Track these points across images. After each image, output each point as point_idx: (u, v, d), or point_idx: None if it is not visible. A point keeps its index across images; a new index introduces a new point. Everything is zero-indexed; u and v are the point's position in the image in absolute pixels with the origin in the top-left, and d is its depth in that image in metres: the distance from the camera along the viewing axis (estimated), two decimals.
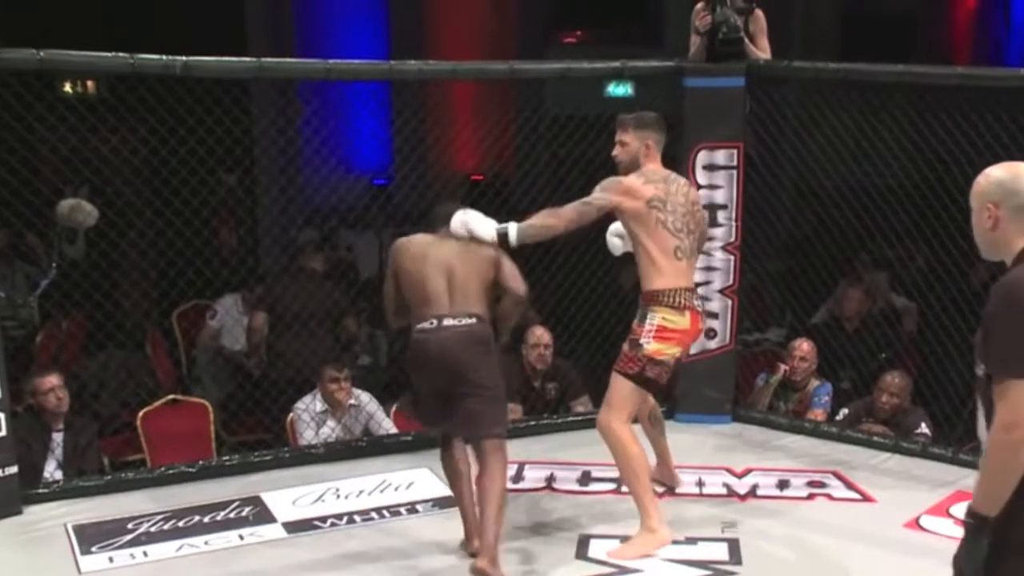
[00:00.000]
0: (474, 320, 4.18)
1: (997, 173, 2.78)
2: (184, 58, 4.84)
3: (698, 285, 5.64)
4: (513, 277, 4.31)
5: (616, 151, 4.51)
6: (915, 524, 4.60)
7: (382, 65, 5.86)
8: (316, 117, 6.82)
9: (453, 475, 4.37)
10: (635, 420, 4.63)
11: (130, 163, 7.45)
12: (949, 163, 5.65)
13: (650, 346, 4.30)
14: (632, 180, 4.38)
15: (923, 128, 5.55)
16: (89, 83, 8.79)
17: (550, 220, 4.29)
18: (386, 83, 7.88)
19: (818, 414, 5.90)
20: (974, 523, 2.62)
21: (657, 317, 4.31)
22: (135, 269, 7.35)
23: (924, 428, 5.64)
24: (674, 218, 4.37)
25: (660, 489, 4.82)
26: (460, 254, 4.25)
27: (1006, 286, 2.63)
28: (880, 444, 5.46)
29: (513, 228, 4.19)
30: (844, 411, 5.89)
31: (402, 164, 7.24)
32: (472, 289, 4.23)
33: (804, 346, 6.03)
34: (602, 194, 4.34)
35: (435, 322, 4.17)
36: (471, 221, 4.20)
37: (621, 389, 4.37)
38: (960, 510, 4.62)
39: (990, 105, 5.33)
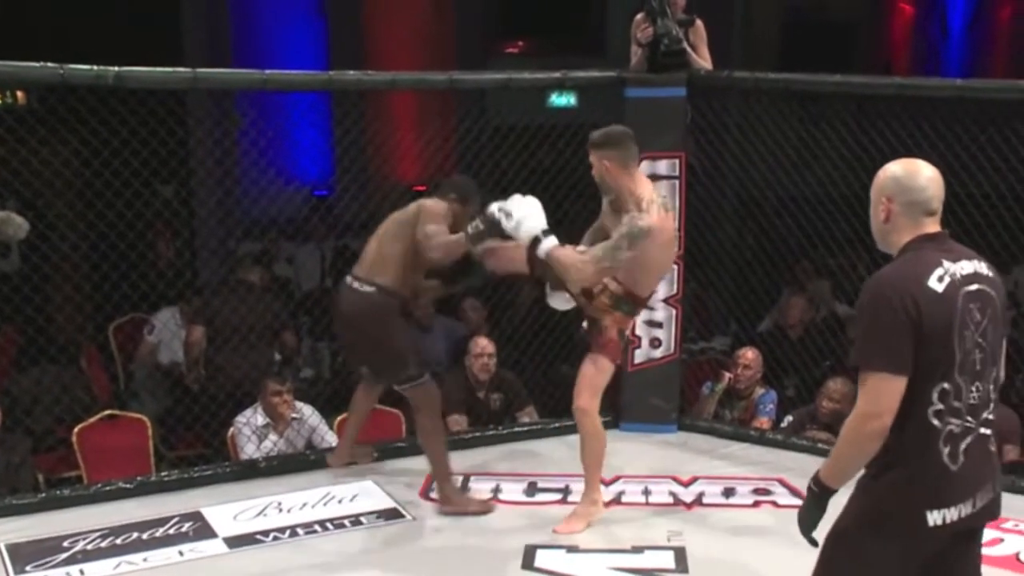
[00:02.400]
0: (374, 289, 4.52)
1: (894, 168, 2.88)
2: (116, 68, 4.75)
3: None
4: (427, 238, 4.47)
5: (592, 171, 4.52)
6: None
7: (321, 75, 5.81)
8: (254, 128, 6.74)
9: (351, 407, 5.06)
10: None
11: (62, 175, 7.31)
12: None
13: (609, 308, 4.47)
14: (660, 220, 4.31)
15: (862, 137, 5.60)
16: (19, 93, 8.64)
17: (573, 276, 4.37)
18: (326, 93, 7.83)
19: (763, 422, 5.93)
20: (818, 491, 2.83)
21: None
22: (68, 282, 7.20)
23: None
24: (670, 240, 4.51)
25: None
26: (397, 221, 4.55)
27: (873, 282, 2.75)
28: (825, 451, 5.40)
29: (550, 243, 4.27)
30: (788, 418, 5.92)
31: (343, 175, 7.17)
32: (389, 258, 4.53)
33: (748, 354, 6.06)
34: (628, 248, 4.27)
35: (348, 280, 4.60)
36: (515, 207, 4.24)
37: (594, 373, 4.50)
38: None
39: (927, 114, 5.39)
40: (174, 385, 6.69)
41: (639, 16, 5.61)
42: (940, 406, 2.71)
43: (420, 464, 5.30)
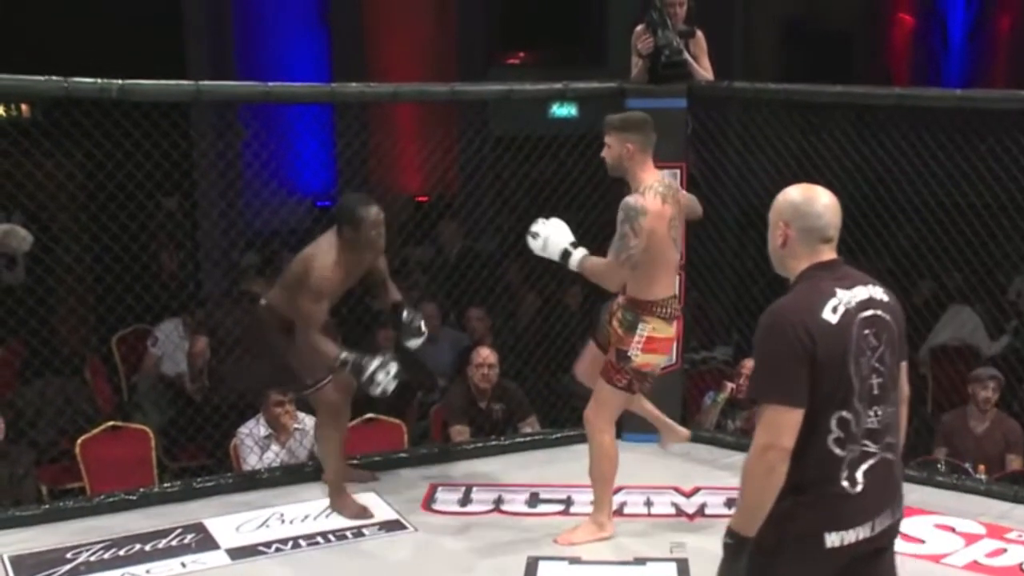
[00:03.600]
0: (263, 303, 4.82)
1: (793, 194, 2.88)
2: (120, 81, 4.78)
3: None
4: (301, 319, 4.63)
5: (604, 153, 4.52)
6: None
7: (323, 87, 5.84)
8: (257, 139, 6.76)
9: None
10: None
11: (66, 188, 7.33)
12: (889, 182, 5.72)
13: (638, 359, 4.39)
14: (653, 203, 4.31)
15: (863, 147, 5.61)
16: (23, 106, 8.67)
17: (607, 280, 4.41)
18: (328, 105, 7.85)
19: None
20: (734, 543, 2.75)
21: (647, 328, 4.39)
22: (72, 295, 7.22)
23: None
24: (676, 232, 4.46)
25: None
26: (293, 272, 4.68)
27: (768, 315, 2.76)
28: None
29: (578, 254, 4.32)
30: None
31: (345, 186, 7.19)
32: (289, 275, 4.70)
33: (749, 364, 6.05)
34: (632, 232, 4.27)
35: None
36: (540, 227, 4.34)
37: (609, 395, 4.49)
38: (906, 525, 4.65)
39: (927, 124, 5.40)
40: (177, 396, 6.70)
41: (639, 27, 5.63)
42: (840, 433, 2.72)
43: (422, 475, 5.32)
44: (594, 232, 6.26)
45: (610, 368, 4.46)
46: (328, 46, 10.97)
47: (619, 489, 5.14)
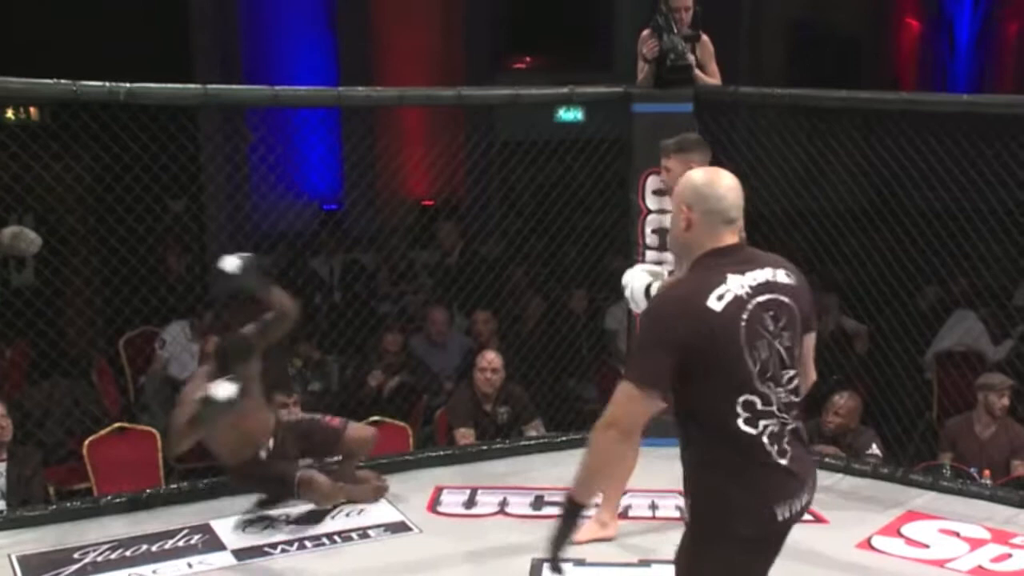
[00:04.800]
0: None
1: (696, 177, 2.89)
2: (128, 85, 4.80)
3: None
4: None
5: (663, 177, 4.57)
6: (867, 544, 4.62)
7: (330, 91, 5.85)
8: (264, 143, 6.79)
9: None
10: None
11: (74, 190, 7.36)
12: (895, 187, 5.73)
13: None
14: None
15: (869, 152, 5.62)
16: (32, 110, 8.70)
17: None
18: (335, 109, 7.87)
19: None
20: (569, 507, 2.82)
21: None
22: (80, 296, 7.24)
23: (875, 449, 5.69)
24: None
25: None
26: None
27: (656, 300, 2.84)
28: (831, 465, 5.48)
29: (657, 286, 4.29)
30: None
31: (352, 189, 7.21)
32: None
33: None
34: None
35: None
36: (624, 279, 4.21)
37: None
38: (912, 530, 4.71)
39: (934, 129, 5.41)
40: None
41: (645, 32, 5.63)
42: (747, 414, 2.74)
43: (427, 478, 5.33)
44: (600, 235, 6.29)
45: None
46: (335, 50, 11.00)
47: (624, 492, 5.15)
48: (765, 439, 2.76)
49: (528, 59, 12.21)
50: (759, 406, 2.75)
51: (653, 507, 5.01)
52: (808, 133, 6.27)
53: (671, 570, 4.28)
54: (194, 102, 5.20)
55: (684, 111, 5.65)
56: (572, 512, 2.81)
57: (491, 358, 6.01)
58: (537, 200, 6.30)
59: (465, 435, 5.89)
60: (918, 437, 6.31)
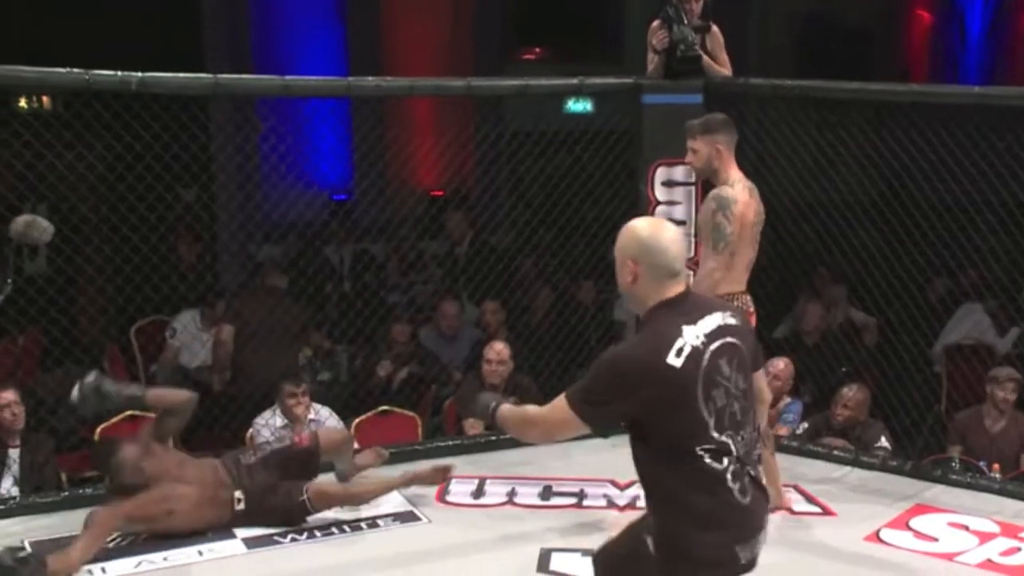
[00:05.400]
0: None
1: (638, 231, 2.93)
2: (140, 74, 4.81)
3: None
4: None
5: (689, 159, 4.58)
6: (875, 537, 4.62)
7: (340, 81, 5.85)
8: (274, 133, 6.80)
9: None
10: None
11: (86, 179, 7.37)
12: (906, 179, 5.72)
13: None
14: (742, 194, 4.42)
15: (880, 144, 5.61)
16: (44, 99, 8.71)
17: (708, 286, 4.35)
18: (345, 99, 7.87)
19: (782, 430, 5.91)
20: (492, 418, 3.15)
21: None
22: (92, 285, 7.26)
23: (884, 442, 5.70)
24: (756, 230, 4.51)
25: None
26: None
27: (615, 353, 2.89)
28: (840, 458, 5.50)
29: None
30: (804, 425, 5.92)
31: (361, 179, 7.22)
32: None
33: (779, 364, 6.05)
34: (727, 220, 4.35)
35: None
36: None
37: None
38: (921, 523, 4.71)
39: (945, 121, 5.39)
40: (194, 387, 6.73)
41: (655, 23, 5.63)
42: (709, 458, 2.81)
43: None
44: (609, 227, 6.29)
45: None
46: (345, 41, 11.00)
47: (633, 482, 5.15)
48: (728, 477, 2.82)
49: (537, 50, 12.20)
50: (719, 454, 2.82)
51: None
52: (818, 125, 6.26)
53: None
54: (205, 92, 5.21)
55: (694, 102, 5.64)
56: (493, 419, 3.16)
57: (499, 349, 6.02)
58: (546, 191, 6.31)
59: (474, 425, 5.90)
60: (927, 430, 6.31)
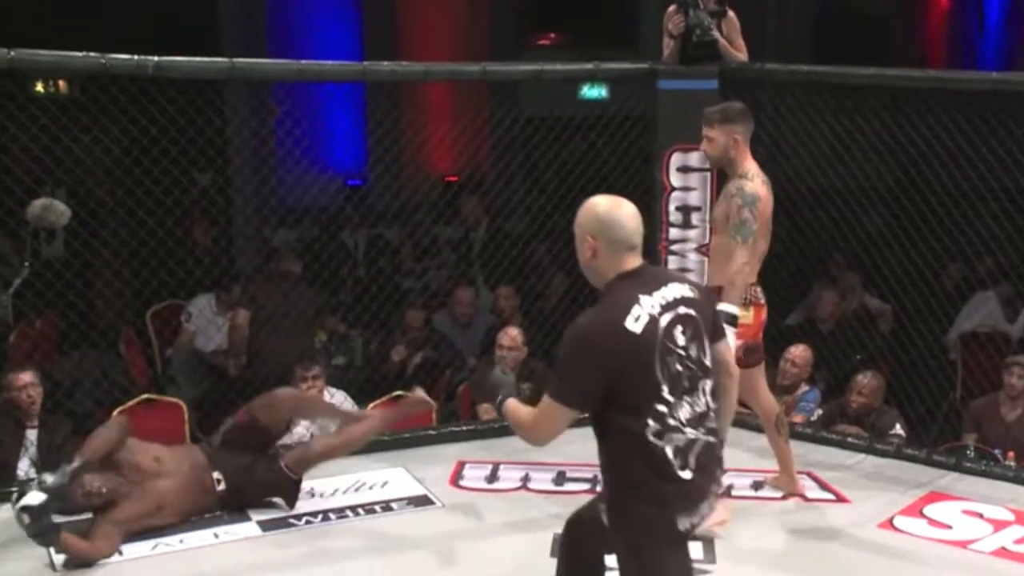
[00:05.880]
0: None
1: (597, 207, 3.06)
2: (156, 58, 4.82)
3: None
4: None
5: (704, 146, 4.51)
6: (889, 524, 4.62)
7: (355, 66, 5.85)
8: (289, 117, 6.80)
9: None
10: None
11: (103, 163, 7.40)
12: (923, 166, 5.69)
13: None
14: (762, 189, 4.39)
15: (896, 131, 5.58)
16: (61, 83, 8.73)
17: (742, 281, 4.33)
18: (360, 84, 7.86)
19: (798, 418, 5.90)
20: (501, 409, 3.26)
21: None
22: (108, 268, 7.30)
23: (899, 429, 5.69)
24: (769, 225, 4.48)
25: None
26: None
27: (574, 328, 2.98)
28: (854, 445, 5.49)
29: (729, 308, 4.24)
30: (818, 411, 5.91)
31: (376, 164, 7.22)
32: None
33: (797, 351, 6.03)
34: (752, 217, 4.32)
35: None
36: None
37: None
38: (934, 511, 4.71)
39: (962, 108, 5.37)
40: (210, 370, 6.77)
41: (671, 8, 5.60)
42: (657, 427, 2.94)
43: (450, 452, 5.37)
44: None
45: None
46: (360, 25, 11.00)
47: None
48: (670, 453, 2.95)
49: (552, 36, 12.18)
50: (668, 420, 2.94)
51: None
52: (834, 111, 6.24)
53: (693, 547, 4.32)
54: (221, 76, 5.21)
55: (709, 88, 5.63)
56: (500, 412, 3.27)
57: (513, 335, 6.03)
58: (560, 177, 6.30)
59: (488, 411, 5.91)
60: (942, 418, 6.30)
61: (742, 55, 5.71)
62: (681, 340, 2.97)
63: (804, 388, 6.05)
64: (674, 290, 3.01)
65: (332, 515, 4.72)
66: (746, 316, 4.39)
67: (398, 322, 7.08)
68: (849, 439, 5.54)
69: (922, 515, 4.70)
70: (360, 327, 7.06)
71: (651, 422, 2.93)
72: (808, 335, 6.57)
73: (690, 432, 2.98)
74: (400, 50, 10.14)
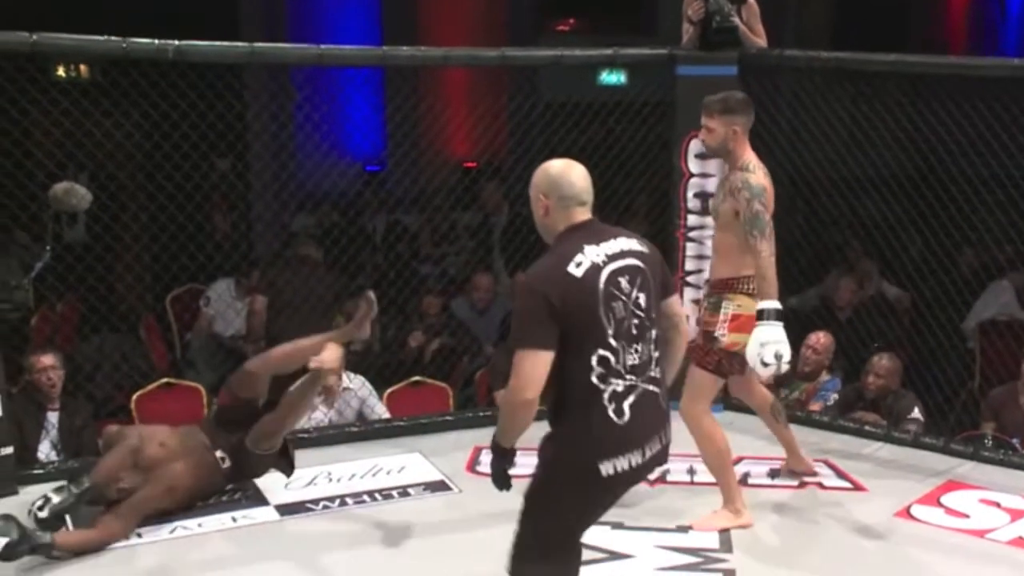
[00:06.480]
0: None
1: (549, 168, 3.26)
2: (177, 42, 4.83)
3: (689, 273, 5.69)
4: None
5: (702, 136, 4.45)
6: (906, 513, 4.62)
7: (374, 51, 5.85)
8: (309, 102, 6.81)
9: None
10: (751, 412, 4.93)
11: (124, 147, 7.42)
12: (942, 152, 5.67)
13: (726, 339, 4.33)
14: (765, 180, 4.33)
15: (916, 117, 5.55)
16: (82, 67, 8.75)
17: (773, 272, 4.23)
18: (379, 69, 7.85)
19: (816, 406, 5.89)
20: (495, 448, 3.25)
21: (731, 306, 4.34)
22: (129, 253, 7.33)
23: (917, 413, 5.64)
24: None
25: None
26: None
27: (523, 277, 3.19)
28: (871, 433, 5.48)
29: (768, 304, 4.19)
30: (834, 396, 5.90)
31: (395, 150, 7.23)
32: None
33: (820, 338, 6.00)
34: (764, 208, 4.25)
35: None
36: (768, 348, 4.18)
37: (701, 379, 4.45)
38: (952, 500, 4.70)
39: (983, 95, 5.34)
40: (229, 355, 6.80)
41: None
42: (600, 370, 3.09)
43: (466, 438, 5.38)
44: (642, 200, 6.29)
45: (699, 351, 4.40)
46: (379, 10, 10.99)
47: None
48: (606, 397, 3.09)
49: (571, 21, 12.14)
50: (612, 363, 3.10)
51: (691, 472, 5.03)
52: (853, 98, 6.21)
53: (709, 535, 4.37)
54: (241, 60, 5.23)
55: (729, 74, 5.61)
56: (500, 451, 3.24)
57: None
58: (580, 162, 6.29)
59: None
60: (960, 406, 6.28)
61: (761, 41, 5.69)
62: (627, 288, 3.13)
63: (826, 377, 6.02)
64: (621, 243, 3.19)
65: (349, 500, 4.75)
66: (754, 307, 4.29)
67: (415, 308, 7.09)
68: (866, 427, 5.53)
69: (939, 504, 4.69)
70: (378, 312, 7.07)
71: (596, 366, 3.07)
72: (826, 322, 6.55)
73: (631, 379, 3.13)
74: (419, 35, 10.13)
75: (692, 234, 5.69)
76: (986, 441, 5.57)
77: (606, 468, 3.10)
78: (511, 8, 11.41)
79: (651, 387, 3.19)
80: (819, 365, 6.00)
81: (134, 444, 4.47)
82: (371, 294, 4.72)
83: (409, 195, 8.32)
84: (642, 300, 3.16)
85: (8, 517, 4.08)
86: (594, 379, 3.08)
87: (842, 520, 4.57)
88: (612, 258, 3.13)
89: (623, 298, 3.11)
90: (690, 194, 5.67)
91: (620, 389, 3.11)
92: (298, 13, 10.64)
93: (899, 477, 5.01)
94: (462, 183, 8.92)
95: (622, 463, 3.12)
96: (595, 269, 3.09)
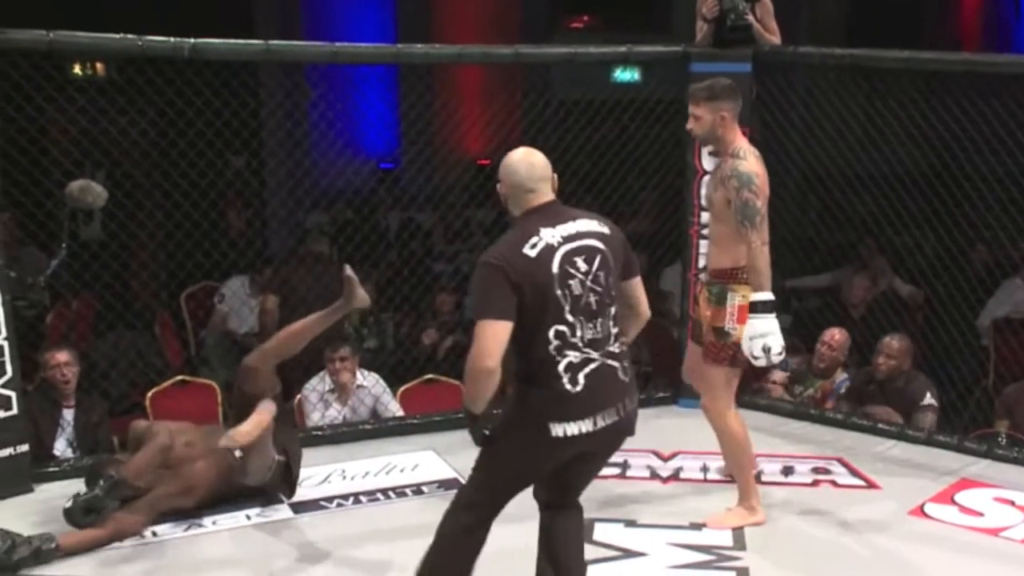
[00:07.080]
0: None
1: (508, 157, 3.44)
2: (192, 40, 4.85)
3: (701, 270, 5.68)
4: None
5: (690, 125, 4.39)
6: (920, 511, 4.62)
7: (388, 48, 5.86)
8: (323, 100, 6.83)
9: None
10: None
11: (139, 145, 7.44)
12: (956, 149, 5.65)
13: (736, 332, 4.29)
14: (757, 166, 4.28)
15: (930, 114, 5.54)
16: (98, 65, 8.78)
17: (764, 262, 4.21)
18: (393, 67, 7.87)
19: (830, 404, 5.88)
20: (467, 416, 3.39)
21: (737, 297, 4.30)
22: (144, 250, 7.35)
23: (930, 398, 5.59)
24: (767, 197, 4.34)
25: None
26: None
27: (485, 254, 3.32)
28: (885, 431, 5.47)
29: (761, 295, 4.19)
30: (846, 384, 5.88)
31: (409, 148, 7.24)
32: None
33: (835, 335, 5.98)
34: (754, 195, 4.21)
35: None
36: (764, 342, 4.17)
37: (717, 375, 4.43)
38: (966, 498, 4.70)
39: (997, 92, 5.32)
40: (243, 352, 6.80)
41: None
42: (557, 342, 3.26)
43: None
44: (655, 197, 6.28)
45: (711, 348, 4.38)
46: (394, 8, 11.01)
47: (675, 454, 5.19)
48: (561, 368, 3.26)
49: (586, 18, 12.14)
50: (568, 336, 3.27)
51: (704, 469, 5.04)
52: (867, 94, 6.19)
53: (723, 533, 4.38)
54: (256, 58, 5.25)
55: (743, 71, 5.60)
56: (472, 417, 3.37)
57: None
58: (593, 160, 6.30)
59: None
60: (974, 404, 6.27)
61: (775, 38, 5.69)
62: (583, 267, 3.29)
63: (842, 375, 6.01)
64: (580, 224, 3.36)
65: (363, 498, 4.77)
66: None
67: (429, 306, 7.10)
68: (880, 425, 5.52)
69: (953, 502, 4.69)
70: (391, 310, 7.09)
71: (553, 339, 3.25)
72: (840, 320, 6.54)
73: (587, 351, 3.29)
74: (433, 33, 10.15)
75: (705, 231, 5.68)
76: (1000, 439, 5.55)
77: (556, 430, 3.27)
78: (525, 6, 11.41)
79: (610, 361, 3.35)
80: (835, 362, 5.98)
81: (165, 443, 4.48)
82: (347, 268, 4.75)
83: (423, 193, 8.34)
84: (601, 278, 3.33)
85: None
86: (551, 351, 3.26)
87: (856, 518, 4.57)
88: (568, 239, 3.31)
89: (579, 275, 3.28)
90: (703, 192, 5.66)
91: (576, 360, 3.28)
92: (313, 11, 10.66)
93: (913, 475, 5.01)
94: (476, 180, 8.93)
95: (572, 428, 3.28)
96: (549, 249, 3.27)
